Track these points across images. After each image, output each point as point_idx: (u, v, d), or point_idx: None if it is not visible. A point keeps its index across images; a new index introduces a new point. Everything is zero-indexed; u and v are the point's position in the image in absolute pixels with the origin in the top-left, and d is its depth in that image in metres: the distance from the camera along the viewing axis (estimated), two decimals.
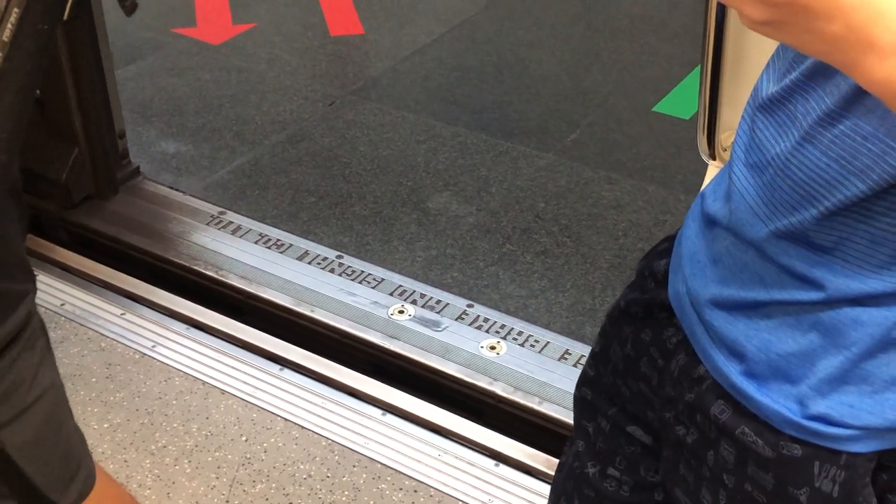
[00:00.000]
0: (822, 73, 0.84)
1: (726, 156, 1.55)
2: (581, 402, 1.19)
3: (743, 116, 0.95)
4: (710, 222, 0.97)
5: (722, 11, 1.45)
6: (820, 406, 0.88)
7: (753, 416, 0.92)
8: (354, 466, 2.13)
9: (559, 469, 1.25)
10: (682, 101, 3.61)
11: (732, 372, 0.93)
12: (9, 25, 0.87)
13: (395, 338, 2.42)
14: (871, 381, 0.86)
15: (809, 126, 0.84)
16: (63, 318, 2.47)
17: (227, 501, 2.05)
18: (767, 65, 0.95)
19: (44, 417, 1.20)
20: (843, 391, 0.87)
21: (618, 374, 1.12)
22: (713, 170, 1.57)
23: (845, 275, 0.85)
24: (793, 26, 0.65)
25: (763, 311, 0.90)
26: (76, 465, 1.31)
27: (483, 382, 2.30)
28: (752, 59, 1.48)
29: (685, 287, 0.99)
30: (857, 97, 0.80)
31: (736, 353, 0.93)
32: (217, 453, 2.15)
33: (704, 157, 1.59)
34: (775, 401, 0.90)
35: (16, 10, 0.88)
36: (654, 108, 3.58)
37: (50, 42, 0.92)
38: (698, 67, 3.98)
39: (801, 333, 0.88)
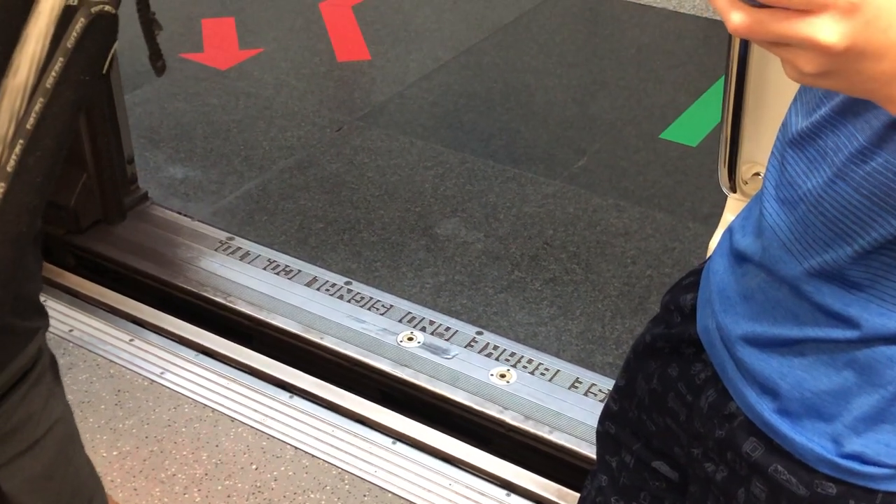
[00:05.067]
0: (851, 109, 0.83)
1: (747, 188, 1.56)
2: (604, 436, 1.18)
3: (773, 151, 0.95)
4: (740, 258, 0.97)
5: (745, 43, 1.46)
6: (855, 445, 0.87)
7: (787, 454, 0.91)
8: (365, 496, 2.11)
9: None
10: (689, 128, 3.61)
11: (765, 409, 0.92)
12: (53, 73, 0.89)
13: (405, 365, 2.41)
14: None
15: (841, 163, 0.84)
16: (71, 345, 2.46)
17: None
18: (795, 99, 0.94)
19: (54, 450, 1.20)
20: (878, 430, 0.87)
21: (643, 408, 1.11)
22: (732, 202, 1.57)
23: (881, 313, 0.84)
24: (844, 72, 0.65)
25: (797, 349, 0.90)
26: (88, 497, 1.31)
27: (493, 411, 2.29)
28: (773, 92, 1.48)
29: (715, 323, 0.98)
30: (890, 134, 0.80)
31: (769, 391, 0.92)
32: (227, 482, 2.14)
33: (725, 190, 1.59)
34: (809, 439, 0.89)
35: (61, 58, 0.89)
36: (661, 136, 3.58)
37: (88, 95, 0.93)
38: (705, 95, 3.99)
39: (836, 371, 0.88)
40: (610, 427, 1.17)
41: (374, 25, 4.32)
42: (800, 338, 0.89)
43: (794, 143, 0.90)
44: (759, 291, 0.93)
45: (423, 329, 2.51)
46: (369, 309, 2.58)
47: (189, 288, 2.65)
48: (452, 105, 3.77)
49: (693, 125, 3.62)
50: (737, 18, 0.64)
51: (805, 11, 0.62)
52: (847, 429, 0.88)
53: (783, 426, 0.91)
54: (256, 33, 4.24)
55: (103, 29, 0.94)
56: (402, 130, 3.59)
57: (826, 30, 0.62)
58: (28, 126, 0.89)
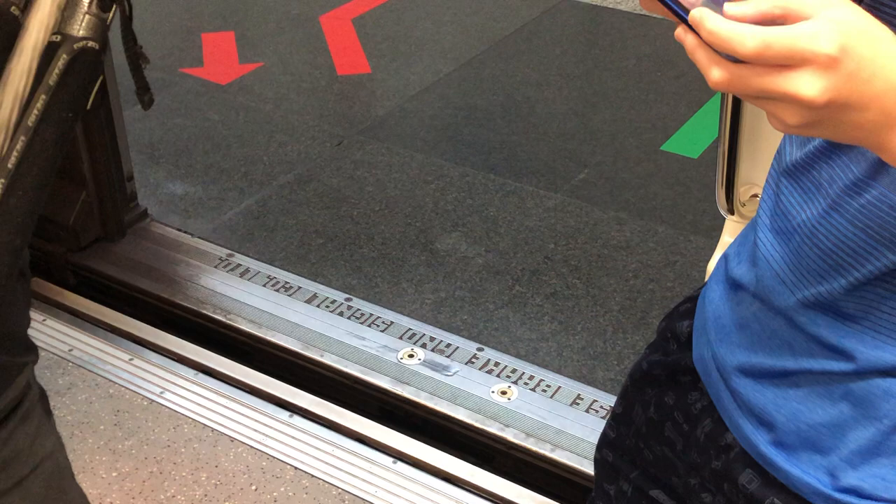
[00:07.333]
0: None
1: (745, 210, 1.54)
2: (602, 463, 1.17)
3: (767, 180, 0.94)
4: (735, 286, 0.96)
5: None
6: (851, 478, 0.86)
7: (783, 487, 0.90)
8: None
9: None
10: (690, 139, 3.61)
11: (761, 441, 0.91)
12: (35, 111, 0.87)
13: (405, 383, 2.40)
14: None
15: (836, 195, 0.83)
16: (71, 364, 2.46)
17: None
18: None
19: (43, 485, 1.19)
20: (875, 463, 0.86)
21: (640, 436, 1.10)
22: (731, 224, 1.56)
23: (876, 346, 0.83)
24: (829, 123, 0.64)
25: (792, 380, 0.89)
26: None
27: (494, 428, 2.28)
28: None
29: (710, 352, 0.97)
30: (884, 166, 0.79)
31: (764, 422, 0.91)
32: (227, 503, 2.13)
33: (723, 212, 1.58)
34: (805, 472, 0.88)
35: (43, 96, 0.88)
36: (662, 147, 3.57)
37: (71, 131, 0.92)
38: (705, 106, 3.96)
39: (832, 403, 0.87)
40: (608, 454, 1.16)
41: (374, 38, 4.32)
42: (795, 369, 0.88)
43: (789, 173, 0.89)
44: (754, 321, 0.92)
45: (424, 346, 2.50)
46: (369, 326, 2.57)
47: (189, 306, 2.64)
48: (452, 118, 3.76)
49: (694, 137, 3.61)
50: (717, 74, 0.63)
51: (785, 66, 0.61)
52: (843, 462, 0.87)
53: (779, 459, 0.90)
54: (256, 47, 4.24)
55: (87, 65, 0.92)
56: (402, 144, 3.59)
57: (807, 84, 0.61)
58: (9, 165, 0.88)
